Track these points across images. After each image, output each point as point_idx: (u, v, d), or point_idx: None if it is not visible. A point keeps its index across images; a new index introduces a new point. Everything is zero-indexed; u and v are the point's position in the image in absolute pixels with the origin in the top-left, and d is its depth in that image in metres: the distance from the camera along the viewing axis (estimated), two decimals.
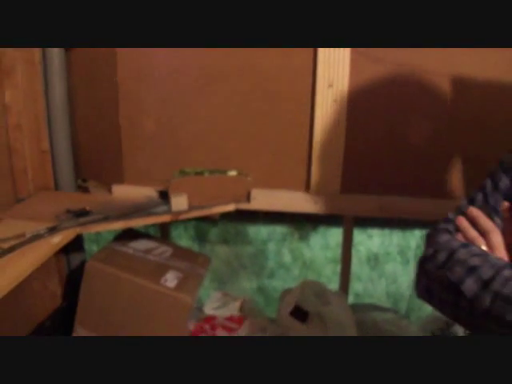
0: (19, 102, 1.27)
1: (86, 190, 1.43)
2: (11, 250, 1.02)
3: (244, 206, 1.34)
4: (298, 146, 1.32)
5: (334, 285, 1.54)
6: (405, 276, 1.56)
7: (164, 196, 1.34)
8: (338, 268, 1.53)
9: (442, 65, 1.19)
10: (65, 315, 1.38)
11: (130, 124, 1.34)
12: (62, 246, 1.11)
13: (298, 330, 1.32)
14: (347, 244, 1.47)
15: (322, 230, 1.57)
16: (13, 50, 1.23)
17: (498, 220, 0.70)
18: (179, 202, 1.27)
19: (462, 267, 0.63)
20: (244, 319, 1.46)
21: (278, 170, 1.34)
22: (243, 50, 1.25)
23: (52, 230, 1.11)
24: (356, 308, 1.48)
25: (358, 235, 1.53)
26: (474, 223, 0.71)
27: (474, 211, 0.71)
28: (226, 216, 1.43)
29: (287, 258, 1.62)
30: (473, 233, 0.70)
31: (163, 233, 1.60)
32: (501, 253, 0.66)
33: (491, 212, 0.71)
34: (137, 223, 1.24)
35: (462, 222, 0.72)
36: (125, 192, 1.38)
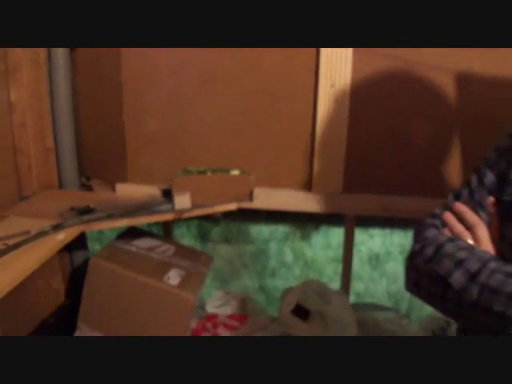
0: (24, 100, 1.28)
1: (89, 188, 1.44)
2: (16, 246, 1.03)
3: (246, 205, 1.35)
4: (300, 145, 1.33)
5: (335, 284, 1.55)
6: None
7: (167, 195, 1.35)
8: (340, 267, 1.53)
9: (445, 65, 1.20)
10: (68, 312, 1.39)
11: (133, 123, 1.35)
12: (66, 244, 1.13)
13: (300, 328, 1.33)
14: (348, 244, 1.48)
15: (323, 229, 1.58)
16: (18, 50, 1.24)
17: (483, 215, 0.72)
18: (182, 201, 1.28)
19: (450, 261, 0.65)
20: (246, 317, 1.47)
21: (280, 170, 1.35)
22: (246, 50, 1.26)
23: (56, 228, 1.12)
24: (357, 307, 1.49)
25: (360, 235, 1.54)
26: (460, 218, 0.73)
27: (460, 206, 0.73)
28: (229, 215, 1.44)
29: (289, 257, 1.63)
30: (459, 227, 0.72)
31: (166, 232, 1.61)
32: (487, 246, 0.68)
33: (477, 207, 0.73)
34: (140, 221, 1.25)
35: (449, 217, 0.74)
36: (128, 190, 1.39)
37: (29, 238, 1.06)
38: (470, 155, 1.25)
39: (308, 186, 1.35)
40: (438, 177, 1.28)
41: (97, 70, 1.36)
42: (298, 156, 1.34)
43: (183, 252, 1.40)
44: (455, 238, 0.70)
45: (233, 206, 1.34)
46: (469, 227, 0.71)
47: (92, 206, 1.25)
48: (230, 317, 1.49)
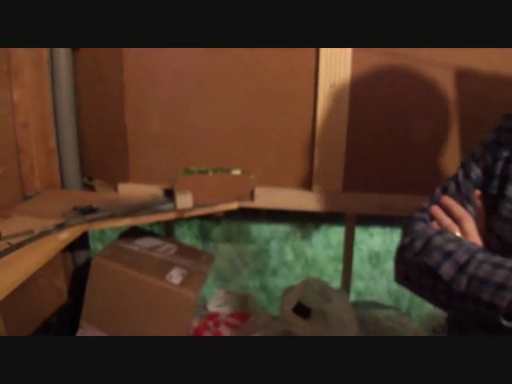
0: (27, 101, 1.30)
1: (91, 188, 1.45)
2: (20, 245, 1.04)
3: (247, 204, 1.36)
4: (301, 145, 1.34)
5: (335, 283, 1.56)
6: None
7: (169, 194, 1.36)
8: (340, 266, 1.54)
9: (444, 64, 1.21)
10: (71, 311, 1.40)
11: (135, 123, 1.36)
12: (69, 243, 1.13)
13: (301, 326, 1.34)
14: (349, 242, 1.49)
15: (324, 228, 1.59)
16: (21, 50, 1.25)
17: (470, 208, 0.74)
18: (184, 200, 1.29)
19: (439, 253, 0.67)
20: (247, 316, 1.48)
21: (280, 169, 1.36)
22: (247, 51, 1.27)
23: (60, 227, 1.13)
24: (357, 305, 1.50)
25: (360, 234, 1.55)
26: (447, 211, 0.74)
27: (448, 200, 0.75)
28: (230, 215, 1.45)
29: (289, 256, 1.64)
30: (447, 220, 0.74)
31: (167, 231, 1.62)
32: (474, 238, 0.70)
33: (464, 200, 0.74)
34: (142, 221, 1.26)
35: (437, 210, 0.76)
36: (130, 190, 1.40)
37: (32, 237, 1.07)
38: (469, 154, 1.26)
39: (308, 185, 1.36)
40: (438, 175, 1.29)
41: (99, 70, 1.38)
42: (299, 155, 1.35)
43: (185, 251, 1.41)
44: (443, 231, 0.72)
45: (234, 206, 1.35)
46: (456, 220, 0.73)
47: (94, 205, 1.26)
48: (232, 315, 1.49)
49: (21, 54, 1.25)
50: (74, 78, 1.36)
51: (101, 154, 1.45)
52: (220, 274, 1.67)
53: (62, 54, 1.31)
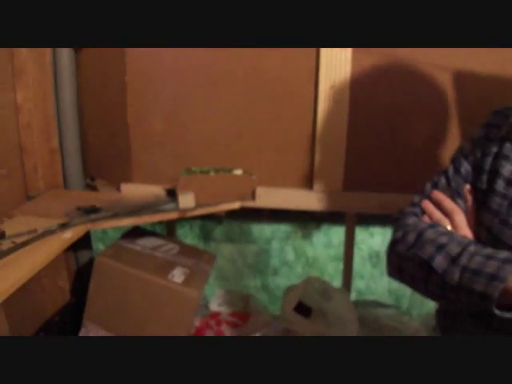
0: (30, 102, 1.30)
1: (94, 188, 1.46)
2: (24, 244, 1.05)
3: (249, 204, 1.37)
4: (301, 145, 1.35)
5: (336, 282, 1.57)
6: None
7: (171, 194, 1.36)
8: (341, 266, 1.55)
9: (444, 65, 1.22)
10: (73, 311, 1.41)
11: (138, 123, 1.37)
12: (73, 242, 1.14)
13: (302, 325, 1.35)
14: (349, 242, 1.50)
15: (324, 228, 1.60)
16: (25, 52, 1.26)
17: (460, 202, 0.75)
18: (186, 200, 1.30)
19: (432, 246, 0.68)
20: (248, 315, 1.49)
21: (281, 169, 1.37)
22: (249, 52, 1.29)
23: (63, 226, 1.14)
24: (358, 304, 1.50)
25: (360, 233, 1.56)
26: (438, 205, 0.76)
27: (438, 194, 0.77)
28: (231, 215, 1.46)
29: (290, 256, 1.65)
30: (438, 214, 0.75)
31: (169, 231, 1.63)
32: (464, 231, 0.72)
33: (454, 195, 0.76)
34: (145, 220, 1.27)
35: (428, 204, 0.77)
36: (133, 190, 1.41)
37: (36, 237, 1.08)
38: None
39: (309, 184, 1.37)
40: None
41: (101, 71, 1.39)
42: (299, 155, 1.36)
43: (187, 251, 1.42)
44: (435, 224, 0.74)
45: (236, 205, 1.36)
46: (447, 214, 0.75)
47: (97, 205, 1.27)
48: (233, 315, 1.50)
49: (24, 55, 1.26)
50: (76, 78, 1.37)
51: (103, 155, 1.46)
52: (221, 273, 1.68)
53: (65, 54, 1.32)
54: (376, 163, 1.33)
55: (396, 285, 1.61)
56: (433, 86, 1.24)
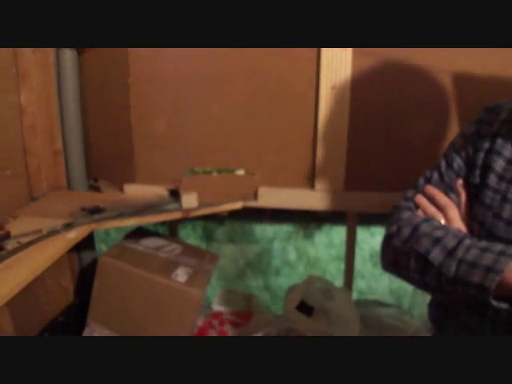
0: (34, 103, 1.32)
1: (97, 189, 1.47)
2: (29, 244, 1.06)
3: (251, 204, 1.38)
4: (303, 145, 1.36)
5: (338, 282, 1.58)
6: None
7: (174, 195, 1.37)
8: (342, 265, 1.56)
9: (444, 65, 1.23)
10: (77, 311, 1.42)
11: (141, 124, 1.38)
12: (77, 243, 1.15)
13: (304, 324, 1.36)
14: (351, 242, 1.51)
15: (326, 228, 1.61)
16: (28, 53, 1.27)
17: (453, 196, 0.77)
18: (189, 200, 1.31)
19: (427, 239, 0.70)
20: (251, 315, 1.50)
21: (283, 169, 1.38)
22: (249, 53, 1.30)
23: (68, 226, 1.15)
24: (359, 304, 1.51)
25: (361, 233, 1.57)
26: (432, 200, 0.78)
27: (432, 189, 0.78)
28: (233, 215, 1.46)
29: (292, 256, 1.65)
30: (432, 209, 0.77)
31: (172, 232, 1.64)
32: (458, 225, 0.74)
33: (447, 189, 0.78)
34: (149, 220, 1.28)
35: (421, 199, 0.79)
36: (136, 191, 1.42)
37: (41, 237, 1.09)
38: None
39: (311, 184, 1.38)
40: None
41: (104, 72, 1.40)
42: (301, 155, 1.37)
43: (189, 251, 1.43)
44: (429, 218, 0.75)
45: (239, 205, 1.37)
46: (440, 208, 0.76)
47: (101, 206, 1.28)
48: (236, 314, 1.51)
49: (28, 58, 1.27)
50: (79, 80, 1.39)
51: (106, 155, 1.47)
52: (224, 273, 1.69)
53: (68, 56, 1.34)
54: (377, 163, 1.34)
55: (397, 284, 1.62)
56: (433, 86, 1.25)
